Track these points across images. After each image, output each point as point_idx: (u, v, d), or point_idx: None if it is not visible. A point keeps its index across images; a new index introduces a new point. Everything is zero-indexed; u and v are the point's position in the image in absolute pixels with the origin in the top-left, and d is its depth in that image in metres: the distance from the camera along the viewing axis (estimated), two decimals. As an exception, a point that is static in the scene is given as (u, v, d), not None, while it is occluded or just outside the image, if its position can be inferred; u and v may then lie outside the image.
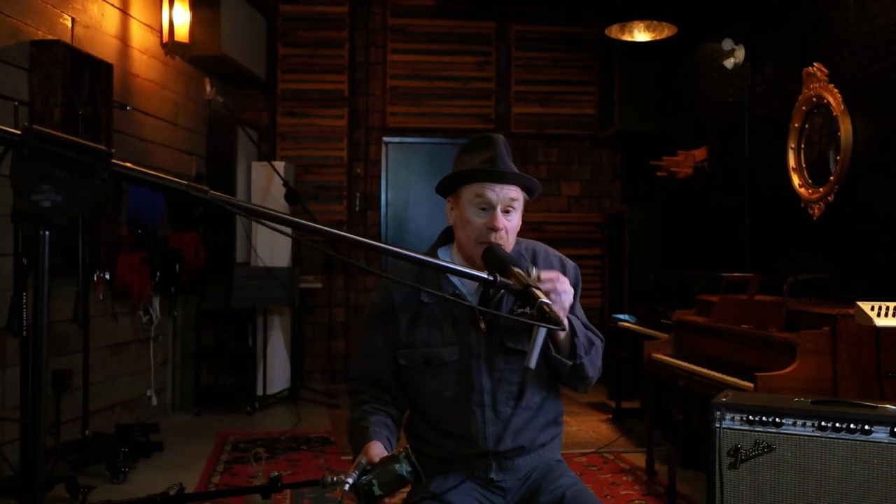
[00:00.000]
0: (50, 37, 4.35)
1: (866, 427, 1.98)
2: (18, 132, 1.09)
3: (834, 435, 2.01)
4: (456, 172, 1.93)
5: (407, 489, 1.79)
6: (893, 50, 3.81)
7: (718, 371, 3.67)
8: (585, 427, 5.67)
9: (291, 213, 6.75)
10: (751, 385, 3.31)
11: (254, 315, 6.46)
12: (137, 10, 5.44)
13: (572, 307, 1.84)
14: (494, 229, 1.85)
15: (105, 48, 4.96)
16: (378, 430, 1.85)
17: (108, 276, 4.91)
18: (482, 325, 1.91)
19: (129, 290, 5.09)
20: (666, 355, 4.30)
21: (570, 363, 1.84)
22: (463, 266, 1.73)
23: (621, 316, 5.98)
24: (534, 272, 1.71)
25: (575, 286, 1.88)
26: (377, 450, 1.73)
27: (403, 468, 1.57)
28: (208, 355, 6.54)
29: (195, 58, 6.16)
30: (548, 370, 1.93)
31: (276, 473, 1.47)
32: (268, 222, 1.28)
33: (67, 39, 4.49)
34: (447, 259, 1.95)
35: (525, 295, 1.54)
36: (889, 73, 3.84)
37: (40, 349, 1.13)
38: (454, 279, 1.94)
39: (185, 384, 6.25)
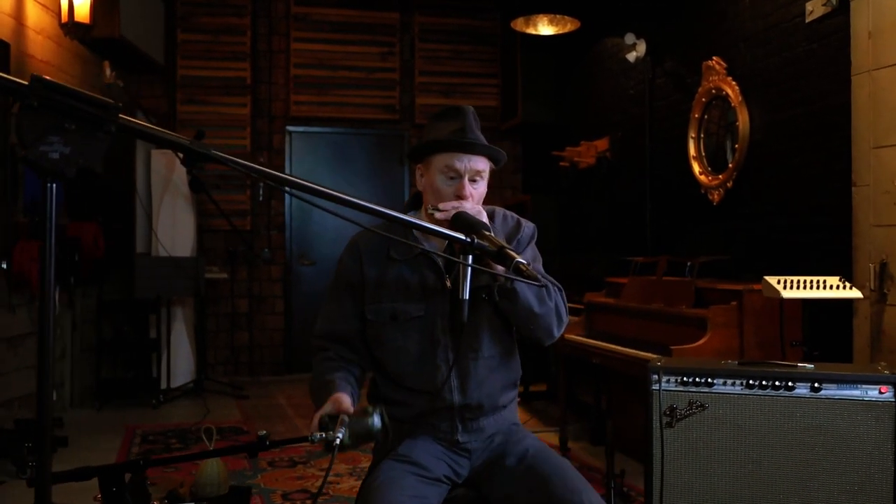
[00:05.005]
0: (-57, 12, 4.13)
1: (790, 384, 2.16)
2: (26, 82, 1.07)
3: (761, 392, 2.17)
4: (427, 141, 1.98)
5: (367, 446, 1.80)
6: (786, 45, 4.09)
7: (632, 348, 3.85)
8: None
9: (195, 202, 6.62)
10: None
11: (157, 306, 6.28)
12: (33, -12, 5.20)
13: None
14: (461, 197, 1.91)
15: (-1, 27, 4.73)
16: (343, 384, 1.87)
17: (4, 266, 4.69)
18: (448, 284, 1.96)
19: (28, 279, 4.86)
20: (578, 335, 4.46)
21: (503, 286, 1.86)
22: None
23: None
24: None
25: (528, 241, 2.05)
26: (349, 402, 1.76)
27: (374, 421, 1.61)
28: (108, 348, 6.31)
29: (92, 41, 5.92)
30: (501, 320, 1.99)
31: (264, 432, 1.48)
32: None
33: (-40, 15, 4.27)
34: None
35: (500, 255, 1.61)
36: (783, 67, 4.12)
37: (47, 312, 1.12)
38: (423, 241, 1.98)
39: (84, 379, 6.02)
